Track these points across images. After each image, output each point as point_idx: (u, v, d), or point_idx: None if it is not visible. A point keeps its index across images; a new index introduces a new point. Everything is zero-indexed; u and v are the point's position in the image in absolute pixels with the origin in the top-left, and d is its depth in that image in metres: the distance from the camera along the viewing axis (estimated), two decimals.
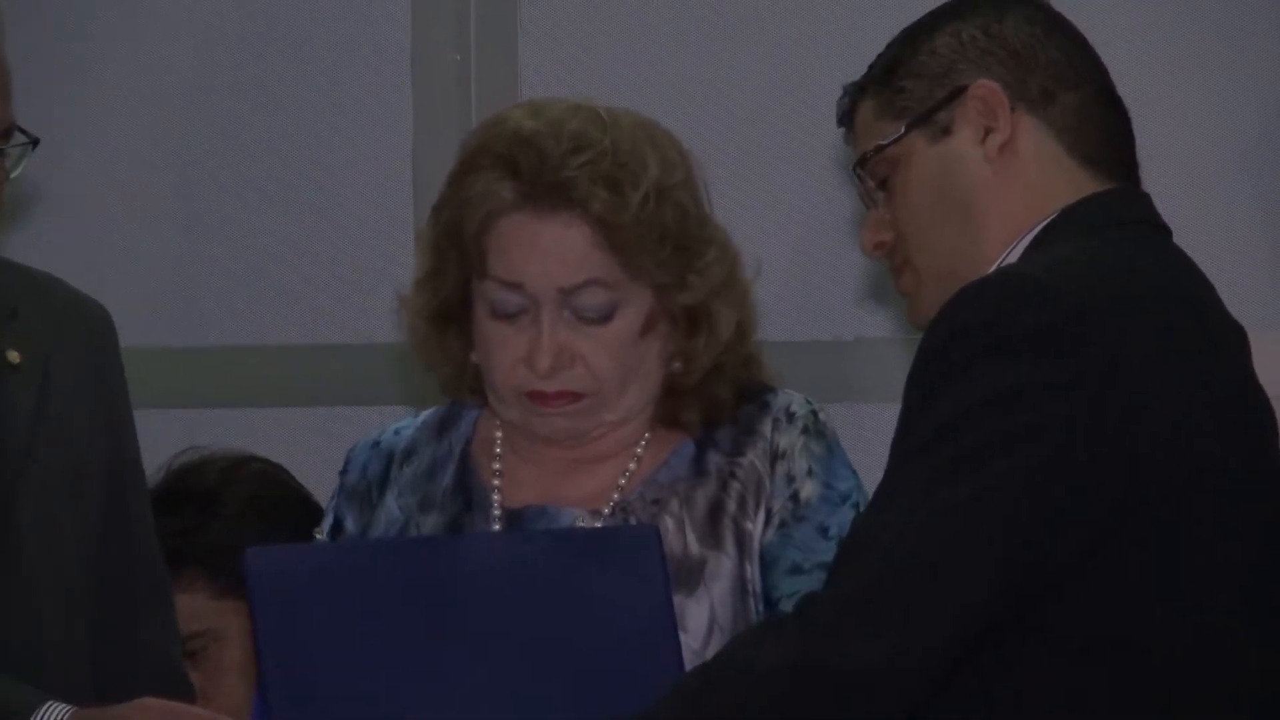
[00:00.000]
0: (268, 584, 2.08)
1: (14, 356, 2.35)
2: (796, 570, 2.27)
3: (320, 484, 2.60)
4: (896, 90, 2.09)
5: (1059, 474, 1.90)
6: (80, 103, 3.34)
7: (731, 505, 2.29)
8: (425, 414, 2.42)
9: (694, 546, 2.28)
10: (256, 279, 3.41)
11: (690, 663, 2.14)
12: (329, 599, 2.07)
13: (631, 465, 2.33)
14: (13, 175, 2.33)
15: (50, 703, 2.20)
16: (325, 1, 3.38)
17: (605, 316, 2.29)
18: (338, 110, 3.38)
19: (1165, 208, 2.13)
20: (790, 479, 2.30)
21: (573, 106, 2.30)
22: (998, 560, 1.90)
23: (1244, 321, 2.07)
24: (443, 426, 2.39)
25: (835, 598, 1.92)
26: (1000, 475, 1.89)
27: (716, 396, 2.32)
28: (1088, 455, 1.90)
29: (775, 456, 2.31)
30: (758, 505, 2.29)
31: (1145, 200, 2.10)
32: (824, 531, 2.28)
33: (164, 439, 2.73)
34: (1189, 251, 2.10)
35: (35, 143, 2.31)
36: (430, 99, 3.29)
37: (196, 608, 2.68)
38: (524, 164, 2.26)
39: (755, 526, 2.29)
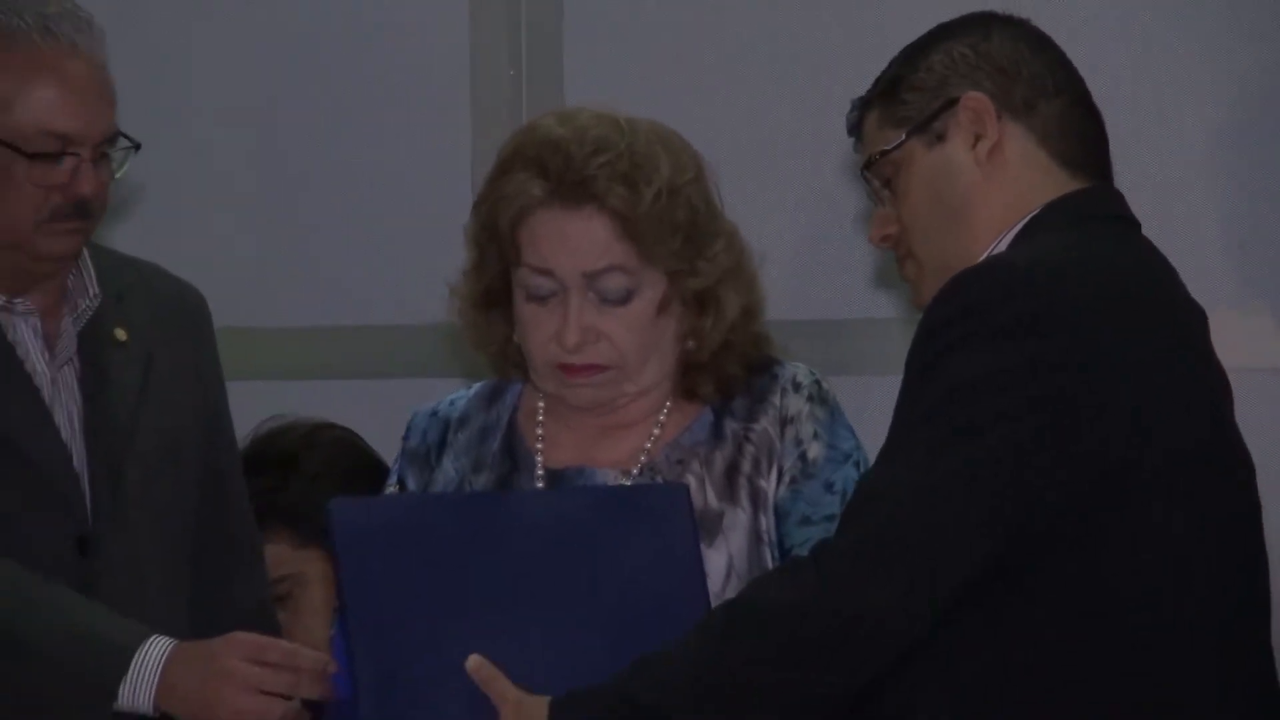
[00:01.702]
0: (348, 529, 2.08)
1: (121, 335, 2.36)
2: (806, 521, 2.28)
3: (387, 447, 2.56)
4: (898, 102, 2.09)
5: (1042, 445, 1.90)
6: (175, 110, 3.35)
7: (746, 465, 2.29)
8: (476, 386, 2.42)
9: (713, 501, 2.28)
10: (331, 268, 3.42)
11: (713, 603, 2.13)
12: (401, 543, 2.08)
13: (656, 431, 2.33)
14: (117, 176, 2.34)
15: (154, 636, 2.19)
16: (392, 29, 3.37)
17: (624, 298, 2.29)
18: (405, 121, 3.37)
19: (1133, 199, 2.11)
20: (799, 441, 2.30)
21: (596, 115, 2.31)
22: (989, 520, 1.90)
23: (1202, 302, 2.06)
24: (492, 397, 2.39)
25: (847, 546, 1.93)
26: (991, 446, 1.90)
27: (727, 371, 2.32)
28: (1066, 429, 1.90)
29: (785, 422, 2.31)
30: (770, 465, 2.30)
31: (1118, 197, 2.09)
32: (829, 487, 2.29)
33: (250, 409, 2.72)
34: (1154, 239, 2.08)
35: (137, 146, 2.32)
36: (486, 110, 3.30)
37: (281, 556, 2.67)
38: (552, 165, 2.27)
39: (769, 484, 2.29)
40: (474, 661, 2.02)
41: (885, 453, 1.96)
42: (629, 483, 2.30)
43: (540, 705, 1.99)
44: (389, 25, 3.38)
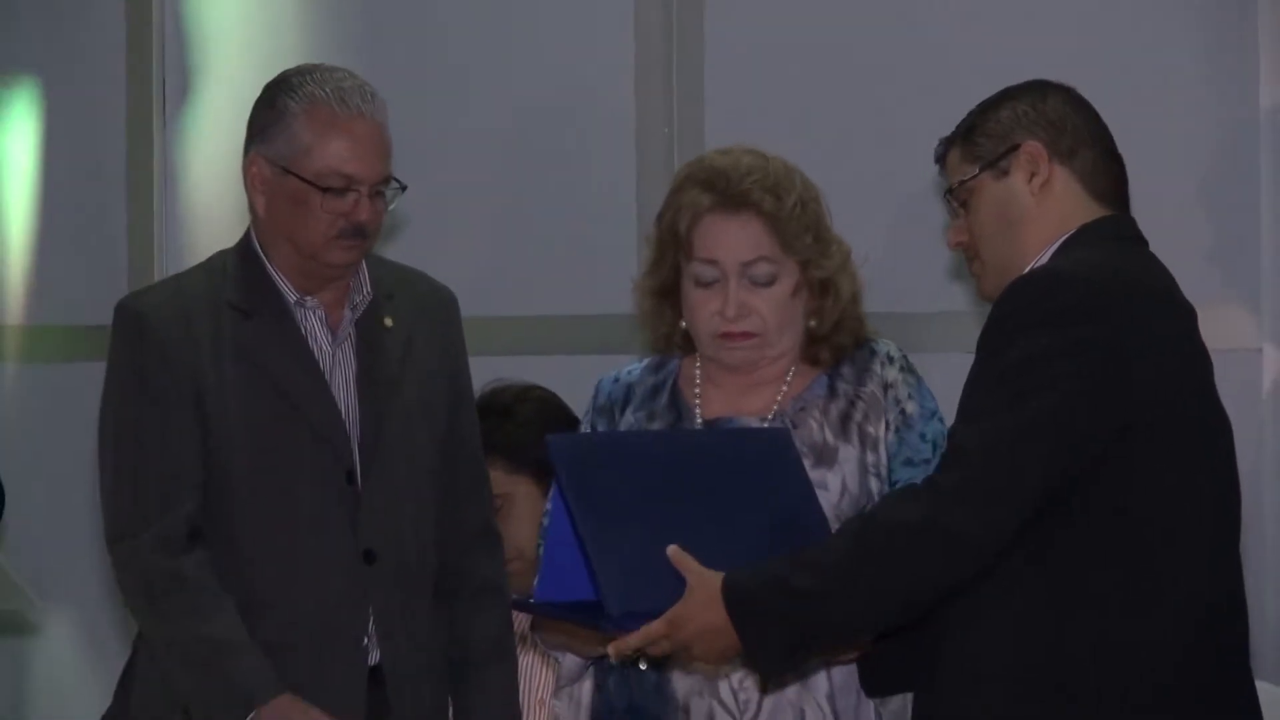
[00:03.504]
0: (564, 454, 2.11)
1: (388, 322, 2.38)
2: (909, 462, 2.32)
3: (577, 405, 2.62)
4: (974, 144, 2.11)
5: (1082, 407, 1.93)
6: (436, 163, 3.29)
7: (858, 416, 2.34)
8: (646, 360, 2.47)
9: (830, 439, 2.33)
10: (541, 274, 3.37)
11: (828, 511, 2.18)
12: (601, 465, 2.10)
13: (784, 388, 2.37)
14: (390, 208, 2.36)
15: (276, 695, 2.16)
16: (574, 105, 3.34)
17: (770, 281, 2.33)
18: (585, 167, 3.34)
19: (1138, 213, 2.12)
20: (898, 401, 2.34)
21: (745, 149, 2.37)
22: (1048, 461, 1.93)
23: (1191, 300, 2.07)
24: (658, 367, 2.44)
25: (948, 483, 1.95)
26: (1044, 407, 1.92)
27: (840, 342, 2.37)
28: (1100, 394, 1.93)
29: (886, 387, 2.35)
30: (879, 418, 2.34)
31: (1133, 222, 2.11)
32: (922, 436, 2.32)
33: (482, 374, 2.67)
34: (1155, 250, 2.10)
35: (404, 188, 2.35)
36: (648, 160, 3.28)
37: (498, 479, 2.64)
38: (717, 184, 2.33)
39: (878, 432, 2.33)
40: (673, 549, 2.04)
41: (966, 413, 1.97)
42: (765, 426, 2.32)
43: (716, 579, 2.01)
44: (575, 99, 3.35)
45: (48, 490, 3.64)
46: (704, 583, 2.02)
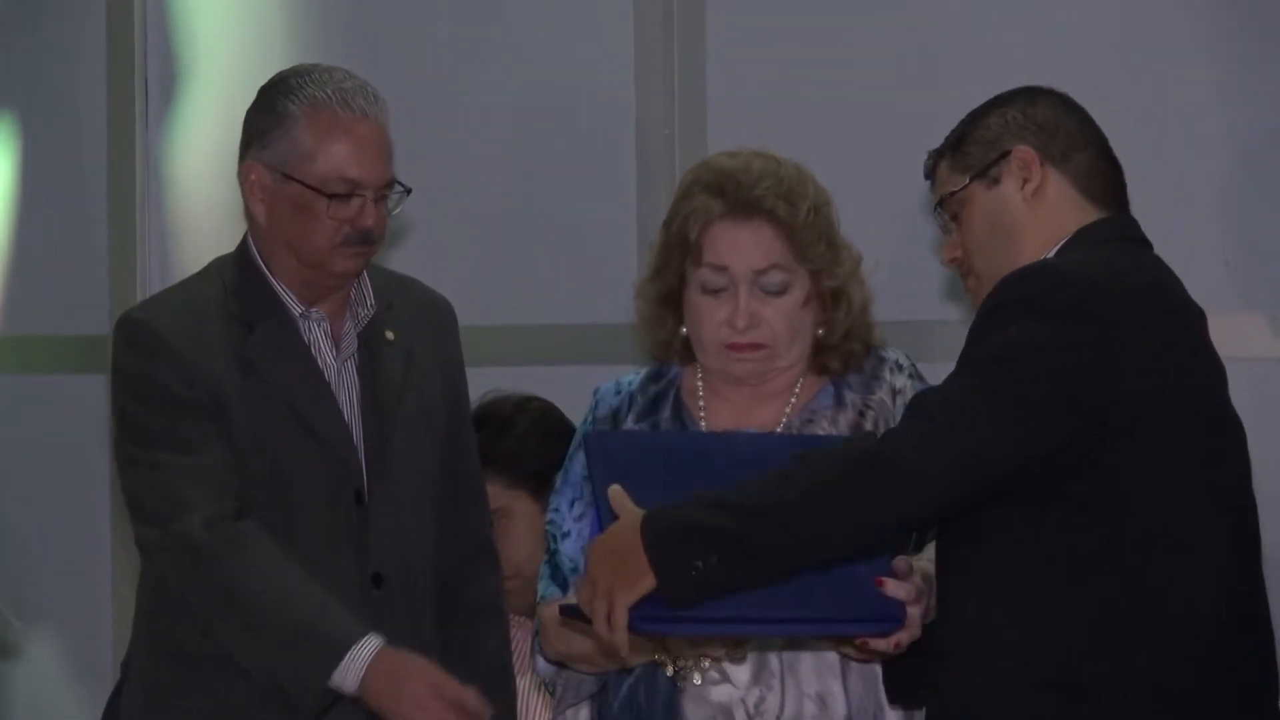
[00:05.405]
0: (599, 450, 2.15)
1: (390, 335, 2.44)
2: None
3: (574, 414, 2.66)
4: (963, 154, 2.15)
5: (1057, 397, 1.96)
6: (438, 169, 3.30)
7: (868, 424, 2.38)
8: (644, 370, 2.51)
9: None
10: (538, 283, 3.40)
11: None
12: (638, 463, 2.12)
13: (792, 400, 2.40)
14: (394, 213, 2.41)
15: (368, 637, 2.19)
16: (574, 106, 3.37)
17: (781, 291, 2.36)
18: (590, 171, 3.37)
19: (1144, 225, 2.15)
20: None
21: (754, 153, 2.41)
22: (1010, 435, 1.95)
23: (1202, 305, 2.12)
24: (656, 377, 2.47)
25: (903, 429, 2.01)
26: (1019, 387, 1.96)
27: (851, 350, 2.41)
28: (1080, 392, 1.97)
29: (895, 393, 2.39)
30: (889, 425, 2.36)
31: (1134, 223, 2.16)
32: None
33: (480, 384, 2.76)
34: (1160, 252, 2.15)
35: (409, 191, 2.40)
36: (649, 163, 3.32)
37: (495, 493, 2.69)
38: (727, 188, 2.35)
39: None
40: (613, 489, 2.02)
41: (942, 383, 2.03)
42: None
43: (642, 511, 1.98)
44: (574, 103, 3.37)
45: (27, 506, 3.71)
46: (630, 514, 2.00)
